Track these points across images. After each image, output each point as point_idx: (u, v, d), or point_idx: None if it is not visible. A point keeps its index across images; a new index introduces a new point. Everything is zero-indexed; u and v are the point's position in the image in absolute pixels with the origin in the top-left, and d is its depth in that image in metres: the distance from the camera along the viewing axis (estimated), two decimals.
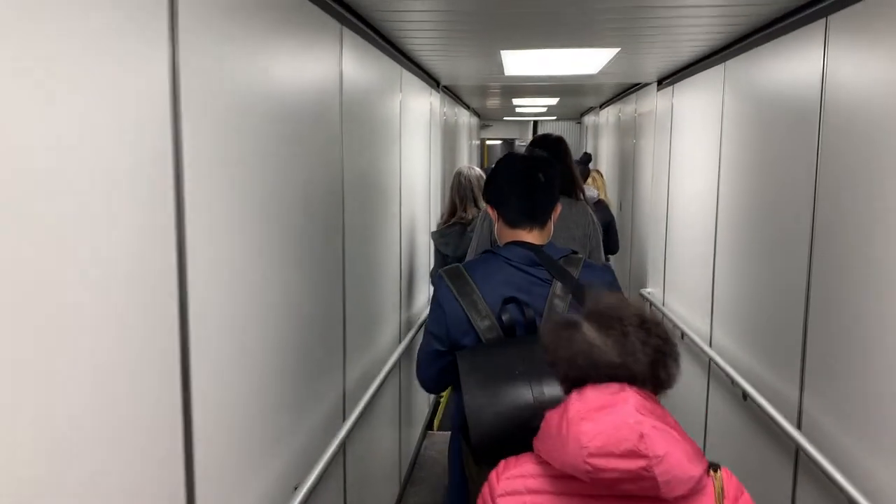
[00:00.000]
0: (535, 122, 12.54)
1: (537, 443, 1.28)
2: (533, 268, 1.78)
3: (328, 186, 2.35)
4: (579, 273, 1.78)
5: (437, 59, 4.04)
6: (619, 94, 7.11)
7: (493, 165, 2.00)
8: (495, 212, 1.93)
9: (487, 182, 1.97)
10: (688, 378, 3.95)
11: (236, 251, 1.59)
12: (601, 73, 4.53)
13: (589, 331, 1.28)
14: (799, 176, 2.48)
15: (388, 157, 3.33)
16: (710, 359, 3.43)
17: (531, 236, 1.86)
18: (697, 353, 3.75)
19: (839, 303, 2.19)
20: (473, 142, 10.10)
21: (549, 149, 3.29)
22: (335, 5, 2.36)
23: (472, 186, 3.90)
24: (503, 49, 3.65)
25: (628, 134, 6.68)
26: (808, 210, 2.38)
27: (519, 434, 1.41)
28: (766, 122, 2.88)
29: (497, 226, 1.94)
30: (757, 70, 3.01)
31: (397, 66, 3.56)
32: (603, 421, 1.16)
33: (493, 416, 1.58)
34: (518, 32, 3.24)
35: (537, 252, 1.81)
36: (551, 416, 1.25)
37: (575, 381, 1.27)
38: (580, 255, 1.86)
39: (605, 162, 8.08)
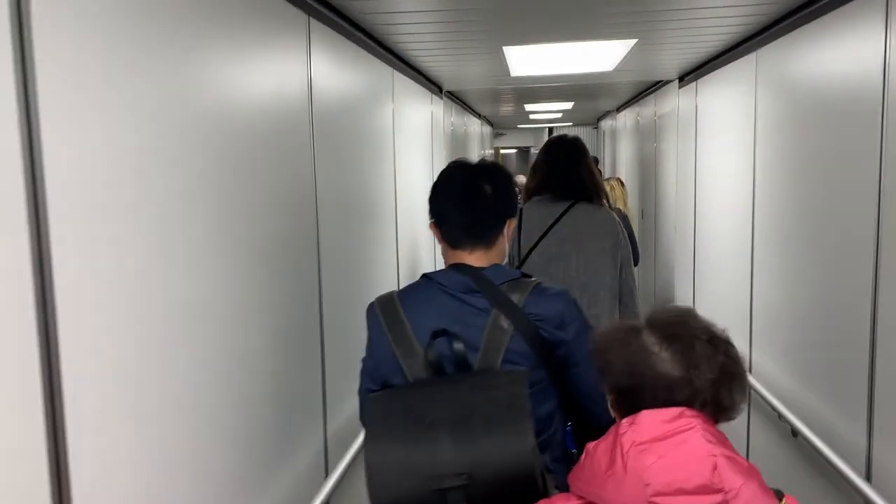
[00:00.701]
0: (551, 129, 12.18)
1: (576, 482, 1.14)
2: (470, 295, 1.55)
3: (297, 211, 2.00)
4: (525, 300, 1.53)
5: (433, 59, 3.68)
6: (636, 96, 6.74)
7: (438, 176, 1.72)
8: (437, 230, 1.66)
9: (430, 195, 1.68)
10: None
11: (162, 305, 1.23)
12: (617, 70, 4.15)
13: (649, 337, 1.16)
14: (858, 178, 2.08)
15: (378, 173, 2.97)
16: (751, 387, 3.03)
17: (473, 257, 1.61)
18: None
19: None
20: (487, 151, 9.77)
21: (566, 151, 2.91)
22: None
23: None
24: (506, 45, 3.28)
25: (648, 138, 6.30)
26: (872, 218, 1.98)
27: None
28: (809, 116, 2.48)
29: (441, 247, 1.68)
30: (796, 57, 2.61)
31: (387, 69, 3.20)
32: (668, 453, 1.04)
33: (396, 477, 1.36)
34: (520, 24, 2.87)
35: (476, 276, 1.56)
36: (596, 450, 1.11)
37: (625, 393, 1.16)
38: (533, 280, 1.59)
39: (624, 168, 7.69)
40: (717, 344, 1.17)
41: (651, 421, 1.09)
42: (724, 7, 2.63)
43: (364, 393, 1.63)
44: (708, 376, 1.13)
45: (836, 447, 2.19)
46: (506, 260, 1.72)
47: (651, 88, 5.85)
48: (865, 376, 2.04)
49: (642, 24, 2.95)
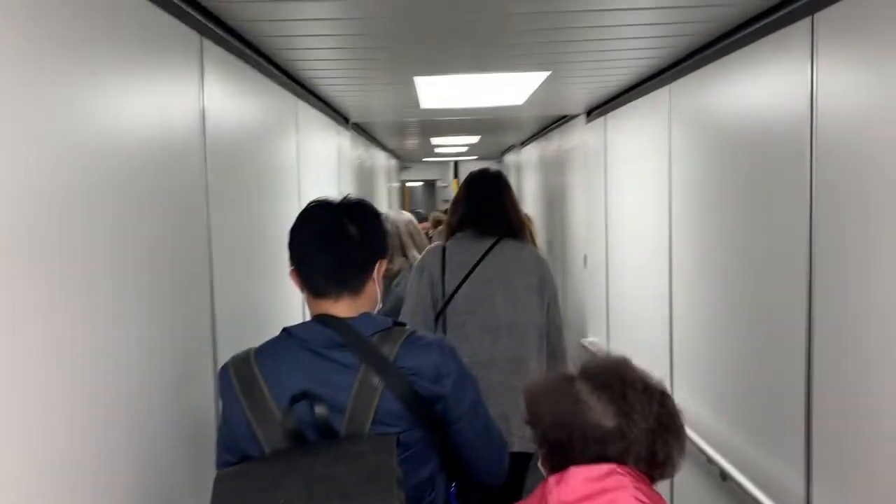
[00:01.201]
0: (456, 163, 12.19)
1: None
2: (335, 350, 1.39)
3: (187, 255, 1.75)
4: (398, 352, 1.38)
5: (340, 88, 3.49)
6: (541, 130, 6.77)
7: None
8: (298, 277, 1.49)
9: (289, 239, 1.51)
10: None
11: None
12: (528, 103, 4.09)
13: (581, 386, 1.12)
14: (786, 212, 2.03)
15: (281, 210, 2.73)
16: None
17: (339, 307, 1.45)
18: None
19: (853, 364, 1.72)
20: (392, 185, 9.62)
21: (488, 185, 2.76)
22: (188, 8, 1.77)
23: (400, 233, 3.38)
24: (417, 75, 3.14)
25: (554, 171, 6.32)
26: (804, 252, 1.92)
27: None
28: (730, 149, 2.45)
29: (305, 297, 1.50)
30: (713, 90, 2.59)
31: (291, 97, 2.99)
32: None
33: None
34: (433, 53, 2.74)
35: (342, 329, 1.40)
36: None
37: (555, 446, 1.10)
38: (406, 329, 1.45)
39: (530, 202, 7.70)
40: (653, 394, 1.12)
41: (579, 479, 1.03)
42: (638, 38, 2.59)
43: (220, 468, 1.42)
44: (642, 426, 1.07)
45: (771, 491, 2.10)
46: (378, 307, 1.56)
47: (556, 123, 5.87)
48: (802, 414, 1.96)
49: (556, 56, 2.87)
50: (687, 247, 2.88)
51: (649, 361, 3.35)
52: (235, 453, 1.41)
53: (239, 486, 1.28)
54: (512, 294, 2.60)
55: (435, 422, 1.42)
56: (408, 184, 13.09)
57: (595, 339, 4.63)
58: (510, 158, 10.03)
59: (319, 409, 1.32)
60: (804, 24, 1.89)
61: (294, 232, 1.51)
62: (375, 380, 1.36)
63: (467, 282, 2.61)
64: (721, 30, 2.36)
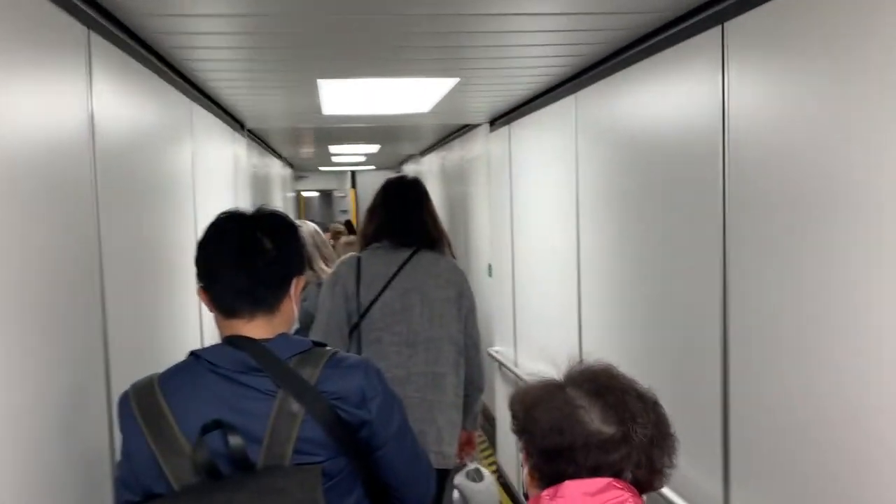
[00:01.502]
0: (353, 173, 12.03)
1: None
2: (249, 375, 1.29)
3: (73, 270, 1.57)
4: (319, 375, 1.30)
5: (238, 91, 3.31)
6: (441, 140, 6.76)
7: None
8: (206, 296, 1.39)
9: (196, 254, 1.41)
10: None
11: None
12: (433, 111, 4.03)
13: (574, 393, 1.08)
14: (696, 221, 2.06)
15: (177, 222, 2.54)
16: None
17: (253, 327, 1.35)
18: None
19: (768, 368, 1.75)
20: (288, 194, 9.36)
21: (406, 194, 2.66)
22: (79, 2, 1.59)
23: (305, 245, 3.22)
24: (321, 78, 3.01)
25: (456, 181, 6.33)
26: (718, 260, 1.94)
27: None
28: (637, 159, 2.48)
29: (215, 317, 1.40)
30: (619, 99, 2.62)
31: (186, 101, 2.80)
32: None
33: None
34: (338, 55, 2.63)
35: (257, 352, 1.30)
36: None
37: (549, 456, 1.05)
38: (328, 350, 1.37)
39: None
40: (647, 400, 1.11)
41: (576, 493, 0.98)
42: (545, 46, 2.58)
43: None
44: (643, 432, 1.06)
45: (691, 497, 2.12)
46: (295, 327, 1.46)
47: (457, 132, 5.87)
48: (719, 424, 1.99)
49: (464, 62, 2.83)
50: (595, 255, 2.90)
51: (559, 369, 3.36)
52: (138, 492, 1.27)
53: None
54: (430, 307, 2.53)
55: (360, 448, 1.34)
56: (303, 193, 12.81)
57: (501, 349, 4.63)
58: (409, 168, 9.98)
59: (234, 440, 1.22)
60: (714, 32, 1.92)
61: (202, 247, 1.39)
62: (295, 406, 1.27)
63: (383, 295, 2.51)
64: (629, 38, 2.38)
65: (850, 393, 1.47)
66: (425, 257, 2.59)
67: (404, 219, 2.61)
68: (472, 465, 2.88)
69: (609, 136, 2.73)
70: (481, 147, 5.06)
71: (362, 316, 2.52)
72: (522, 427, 1.13)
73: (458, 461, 2.75)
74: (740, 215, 1.85)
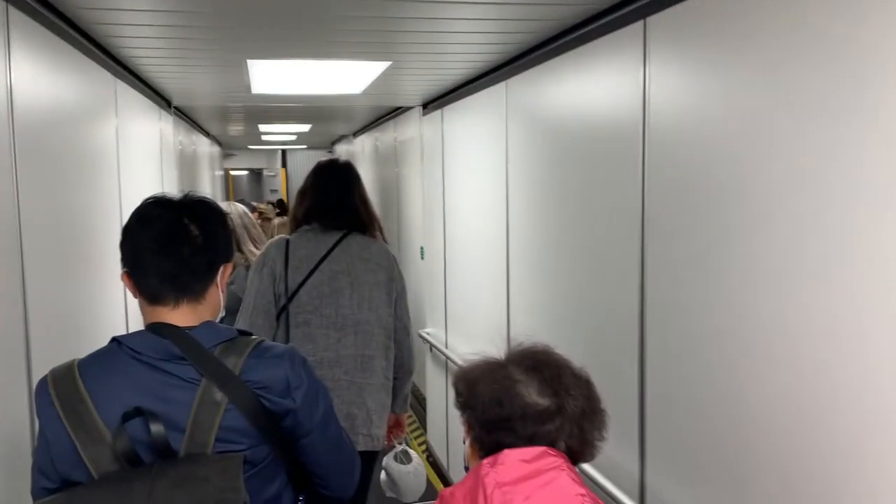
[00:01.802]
0: (284, 151, 11.84)
1: None
2: (172, 363, 1.29)
3: None
4: (243, 364, 1.30)
5: (165, 69, 3.23)
6: (375, 121, 6.73)
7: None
8: (130, 282, 1.37)
9: (121, 239, 1.38)
10: None
11: None
12: (365, 93, 4.02)
13: (514, 370, 1.16)
14: (619, 205, 2.14)
15: (101, 203, 2.48)
16: None
17: (178, 315, 1.34)
18: None
19: (682, 354, 1.86)
20: (216, 173, 9.15)
21: (337, 177, 2.65)
22: None
23: (234, 226, 3.17)
24: (250, 58, 2.97)
25: (389, 163, 6.32)
26: (637, 245, 2.03)
27: None
28: (564, 146, 2.55)
29: (139, 303, 1.38)
30: (548, 87, 2.68)
31: (109, 77, 2.71)
32: (534, 493, 1.01)
33: None
34: (268, 36, 2.60)
35: (180, 339, 1.30)
36: (454, 496, 1.10)
37: (490, 426, 1.13)
38: (253, 339, 1.37)
39: None
40: (580, 377, 1.20)
41: (514, 461, 1.06)
42: (477, 33, 2.62)
43: (38, 493, 1.28)
44: (575, 405, 1.14)
45: (613, 477, 2.21)
46: (221, 315, 1.46)
47: (390, 114, 5.85)
48: (636, 404, 2.08)
49: (396, 46, 2.84)
50: (524, 239, 2.97)
51: (488, 350, 3.43)
52: (56, 479, 1.26)
53: None
54: (359, 291, 2.54)
55: (283, 437, 1.35)
56: (232, 172, 12.54)
57: (433, 330, 4.68)
58: (341, 148, 9.89)
59: (155, 428, 1.21)
60: (637, 27, 1.99)
61: (127, 231, 1.36)
62: (218, 395, 1.27)
63: (312, 277, 2.51)
64: (558, 28, 2.44)
65: (762, 371, 1.58)
66: (356, 240, 2.59)
67: (335, 202, 2.61)
68: (400, 448, 2.90)
69: (538, 123, 2.79)
70: (414, 129, 5.07)
71: (290, 298, 2.51)
72: (465, 402, 1.19)
73: (386, 444, 2.78)
74: (658, 200, 1.94)
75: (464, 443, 1.25)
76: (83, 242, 2.22)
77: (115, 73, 2.79)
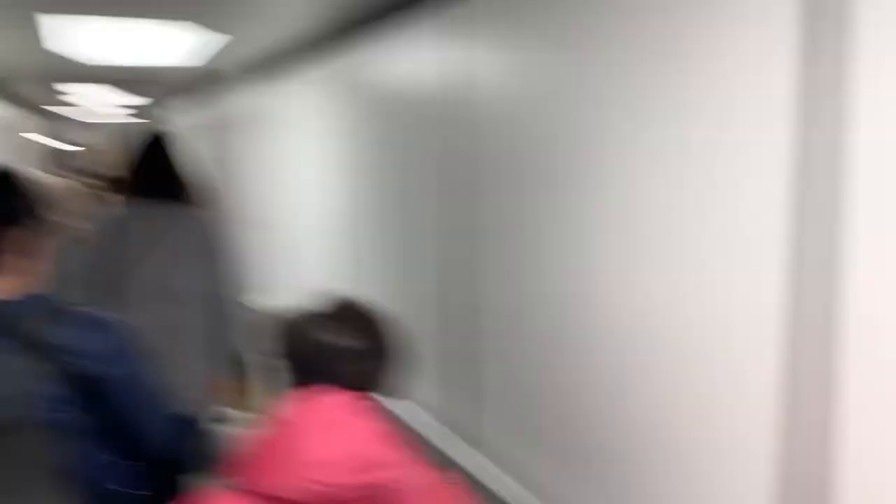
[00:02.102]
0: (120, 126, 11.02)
1: (235, 474, 1.21)
2: None
3: None
4: (63, 333, 1.31)
5: None
6: (206, 92, 6.43)
7: None
8: None
9: None
10: None
11: None
12: (187, 61, 3.79)
13: (316, 317, 1.28)
14: (428, 178, 2.18)
15: None
16: None
17: None
18: None
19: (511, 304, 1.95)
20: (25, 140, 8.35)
21: (152, 147, 2.55)
22: None
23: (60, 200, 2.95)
24: (43, 12, 2.67)
25: (220, 135, 6.12)
26: (469, 207, 2.07)
27: None
28: (392, 120, 2.57)
29: None
30: (377, 64, 2.70)
31: None
32: (317, 434, 1.13)
33: None
34: None
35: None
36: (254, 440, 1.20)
37: (300, 369, 1.25)
38: (73, 308, 1.37)
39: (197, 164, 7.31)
40: (374, 318, 1.30)
41: (291, 399, 1.19)
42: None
43: None
44: (366, 344, 1.25)
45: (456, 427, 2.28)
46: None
47: (218, 86, 5.66)
48: (475, 361, 2.16)
49: (209, 10, 2.67)
50: (350, 209, 2.98)
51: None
52: None
53: None
54: (177, 260, 2.46)
55: (105, 402, 1.34)
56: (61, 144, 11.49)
57: (263, 298, 4.62)
58: (180, 121, 9.39)
59: None
60: (466, 6, 2.03)
61: None
62: (37, 365, 1.26)
63: (131, 248, 2.44)
64: (388, 7, 2.42)
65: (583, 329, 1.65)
66: (176, 210, 2.51)
67: (154, 173, 2.52)
68: (219, 410, 2.90)
69: (366, 98, 2.80)
70: (246, 101, 4.97)
71: (113, 270, 2.43)
72: (280, 349, 1.30)
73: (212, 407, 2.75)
74: (485, 175, 2.00)
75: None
76: None
77: None
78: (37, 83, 6.16)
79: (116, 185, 2.67)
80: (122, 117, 10.14)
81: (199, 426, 2.71)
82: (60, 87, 6.59)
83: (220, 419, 2.86)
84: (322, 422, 1.15)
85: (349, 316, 1.29)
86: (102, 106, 8.20)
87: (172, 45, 3.33)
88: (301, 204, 3.72)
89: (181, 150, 2.62)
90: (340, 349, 1.24)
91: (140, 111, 9.16)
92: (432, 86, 2.26)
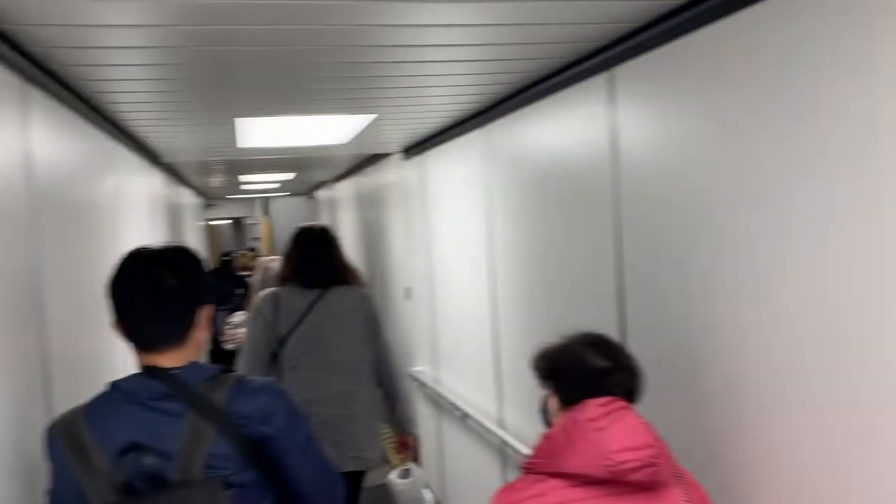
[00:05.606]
0: (266, 199, 11.96)
1: (541, 461, 1.47)
2: (162, 401, 1.43)
3: (13, 316, 1.63)
4: (226, 397, 1.46)
5: (157, 129, 3.36)
6: (356, 167, 6.88)
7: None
8: (122, 329, 1.50)
9: (109, 290, 1.50)
10: (481, 462, 3.64)
11: None
12: (349, 143, 4.18)
13: (579, 346, 1.59)
14: (595, 244, 2.29)
15: (105, 257, 2.59)
16: (503, 441, 3.15)
17: (166, 358, 1.47)
18: (485, 435, 3.46)
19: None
20: (198, 223, 9.24)
21: (315, 241, 3.07)
22: (12, 52, 1.68)
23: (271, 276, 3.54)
24: (238, 117, 3.11)
25: (371, 207, 6.45)
26: (612, 290, 2.18)
27: None
28: (540, 186, 2.71)
29: (131, 348, 1.53)
30: (524, 132, 2.85)
31: (109, 141, 2.85)
32: (615, 423, 1.41)
33: None
34: (255, 97, 2.75)
35: (168, 380, 1.44)
36: (554, 434, 1.47)
37: (570, 385, 1.54)
38: (234, 375, 1.52)
39: (346, 236, 7.77)
40: (623, 348, 1.63)
41: (593, 405, 1.45)
42: (456, 86, 2.78)
43: None
44: (628, 362, 1.56)
45: None
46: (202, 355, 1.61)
47: (371, 160, 6.01)
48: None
49: (381, 101, 3.00)
50: (508, 277, 3.11)
51: (478, 382, 3.56)
52: None
53: None
54: (340, 335, 2.94)
55: (267, 461, 1.49)
56: (212, 222, 12.61)
57: (422, 368, 4.78)
58: (323, 194, 10.03)
59: (148, 460, 1.36)
60: (604, 76, 2.17)
61: (114, 285, 1.49)
62: (204, 426, 1.41)
63: (298, 328, 2.90)
64: (530, 79, 2.61)
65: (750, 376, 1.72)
66: (335, 291, 3.00)
67: (314, 262, 3.02)
68: (406, 466, 3.21)
69: (516, 166, 2.95)
70: (395, 174, 5.22)
71: (281, 345, 2.90)
72: (548, 373, 1.61)
73: (401, 459, 3.23)
74: (631, 230, 2.10)
75: (542, 406, 1.68)
76: (91, 293, 2.33)
77: (113, 136, 2.92)
78: (219, 173, 6.90)
79: (281, 272, 3.10)
80: (280, 193, 10.96)
81: (363, 483, 3.04)
82: (242, 177, 7.35)
83: (403, 473, 3.17)
84: (605, 420, 1.41)
85: (606, 343, 1.59)
86: (262, 184, 8.94)
87: (336, 129, 3.70)
88: (456, 274, 3.87)
89: (333, 241, 3.10)
90: (604, 369, 1.53)
91: (295, 187, 9.90)
92: (573, 153, 2.41)
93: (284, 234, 3.25)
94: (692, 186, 1.82)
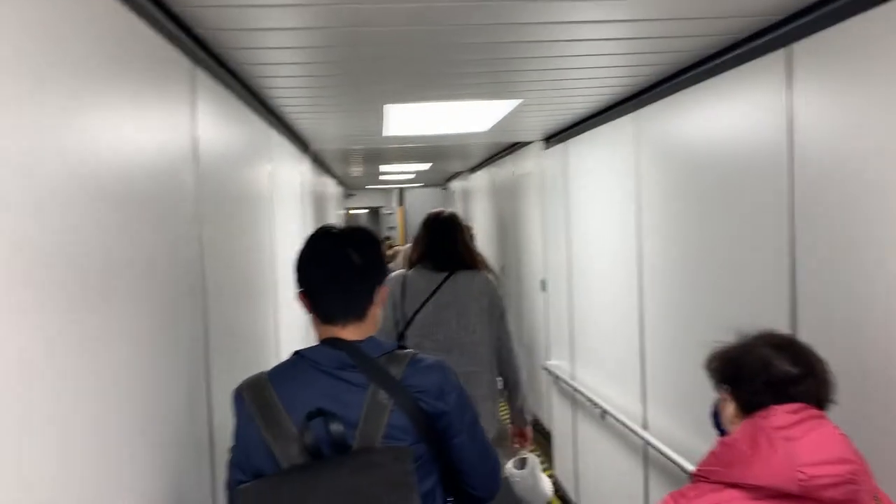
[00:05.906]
0: (401, 190, 12.22)
1: (712, 469, 1.36)
2: (346, 371, 1.50)
3: (179, 281, 1.71)
4: (404, 372, 1.51)
5: (309, 116, 3.47)
6: (491, 157, 6.87)
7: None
8: (307, 302, 1.60)
9: (297, 265, 1.61)
10: (621, 464, 3.51)
11: None
12: (491, 130, 4.14)
13: (763, 349, 1.47)
14: (764, 236, 2.12)
15: (261, 239, 2.70)
16: (647, 442, 3.01)
17: (347, 332, 1.56)
18: (627, 436, 3.32)
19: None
20: (338, 212, 9.57)
21: (443, 228, 3.18)
22: (183, 35, 1.75)
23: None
24: (387, 104, 3.15)
25: (507, 197, 6.42)
26: (786, 273, 2.00)
27: None
28: (701, 175, 2.54)
29: (312, 319, 1.61)
30: (684, 118, 2.68)
31: (265, 127, 2.96)
32: (806, 434, 1.30)
33: None
34: (406, 83, 2.76)
35: (352, 351, 1.52)
36: (736, 441, 1.35)
37: (754, 390, 1.42)
38: (409, 352, 1.59)
39: (480, 227, 7.78)
40: (814, 352, 1.47)
41: (782, 413, 1.35)
42: (608, 67, 2.67)
43: (233, 486, 1.48)
44: (820, 368, 1.44)
45: None
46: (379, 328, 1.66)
47: (507, 150, 5.97)
48: None
49: (527, 84, 2.93)
50: (659, 270, 2.95)
51: (620, 380, 3.43)
52: (249, 472, 1.47)
53: (265, 497, 1.36)
54: (464, 317, 3.05)
55: (438, 437, 1.53)
56: (351, 211, 13.04)
57: (557, 362, 4.69)
58: (456, 185, 10.11)
59: (335, 426, 1.41)
60: (780, 54, 1.99)
61: (302, 261, 1.60)
62: (384, 397, 1.46)
63: (423, 308, 3.04)
64: (691, 60, 2.45)
65: None
66: (461, 276, 3.11)
67: (442, 247, 3.14)
68: (522, 454, 3.17)
69: (670, 154, 2.80)
70: (533, 164, 5.15)
71: (407, 324, 3.05)
72: (726, 376, 1.50)
73: (514, 448, 3.22)
74: (808, 226, 1.91)
75: (714, 410, 1.56)
76: (247, 273, 2.43)
77: (270, 123, 3.03)
78: (360, 162, 7.11)
79: (409, 256, 3.26)
80: (415, 184, 11.16)
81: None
82: (382, 167, 7.54)
83: (518, 462, 3.13)
84: (798, 428, 1.31)
85: (795, 346, 1.48)
86: (398, 174, 9.12)
87: (480, 116, 3.67)
88: (599, 267, 3.75)
89: (460, 227, 3.19)
90: (794, 375, 1.42)
91: (430, 177, 10.04)
92: (739, 140, 2.23)
93: (418, 223, 3.33)
94: (879, 180, 1.63)
